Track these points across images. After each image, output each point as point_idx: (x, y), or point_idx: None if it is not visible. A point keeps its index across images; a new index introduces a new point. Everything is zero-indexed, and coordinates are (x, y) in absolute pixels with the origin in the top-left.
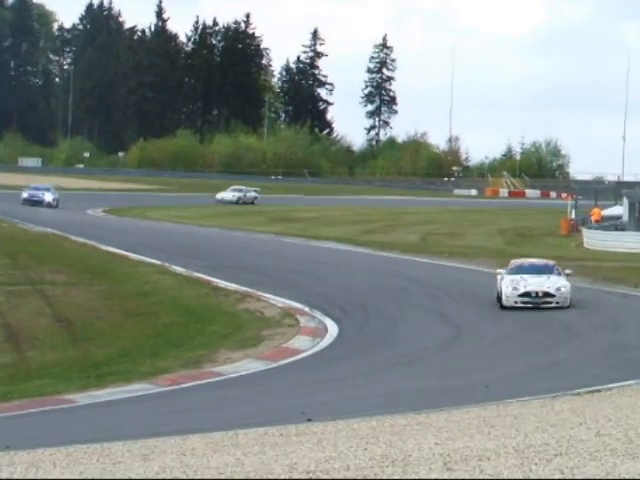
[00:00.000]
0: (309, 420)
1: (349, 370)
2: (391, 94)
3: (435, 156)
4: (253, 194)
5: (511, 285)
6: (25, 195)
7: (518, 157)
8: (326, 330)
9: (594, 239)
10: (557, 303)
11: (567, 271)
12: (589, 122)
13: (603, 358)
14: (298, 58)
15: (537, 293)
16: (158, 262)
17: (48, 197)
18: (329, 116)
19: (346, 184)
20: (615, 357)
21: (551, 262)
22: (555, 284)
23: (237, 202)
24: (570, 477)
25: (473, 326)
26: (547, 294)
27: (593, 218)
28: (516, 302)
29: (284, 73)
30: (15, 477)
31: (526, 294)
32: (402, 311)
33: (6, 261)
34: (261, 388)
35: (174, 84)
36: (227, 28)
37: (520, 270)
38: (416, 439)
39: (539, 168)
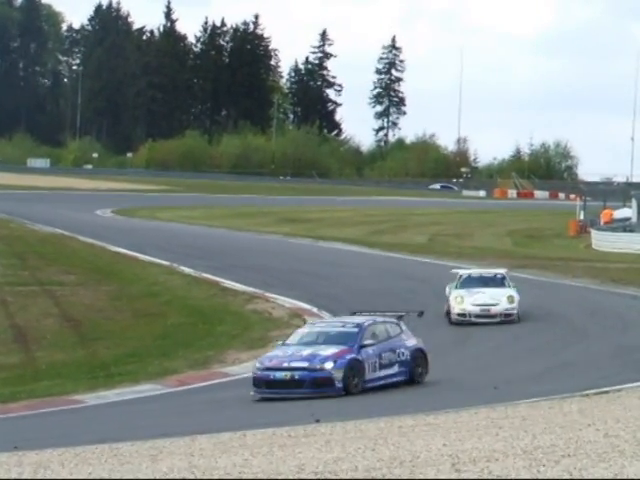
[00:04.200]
0: (317, 421)
1: None
2: (400, 95)
3: (443, 157)
4: None
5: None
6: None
7: (527, 158)
8: None
9: (603, 240)
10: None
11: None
12: (598, 123)
13: (612, 359)
14: (307, 59)
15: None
16: (166, 263)
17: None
18: (338, 117)
19: (354, 185)
20: (624, 358)
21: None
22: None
23: None
24: (578, 478)
25: (482, 327)
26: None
27: (603, 219)
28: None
29: (293, 74)
30: (24, 477)
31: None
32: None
33: (15, 261)
34: None
35: (183, 85)
36: (236, 29)
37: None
38: (424, 440)
39: (548, 169)
